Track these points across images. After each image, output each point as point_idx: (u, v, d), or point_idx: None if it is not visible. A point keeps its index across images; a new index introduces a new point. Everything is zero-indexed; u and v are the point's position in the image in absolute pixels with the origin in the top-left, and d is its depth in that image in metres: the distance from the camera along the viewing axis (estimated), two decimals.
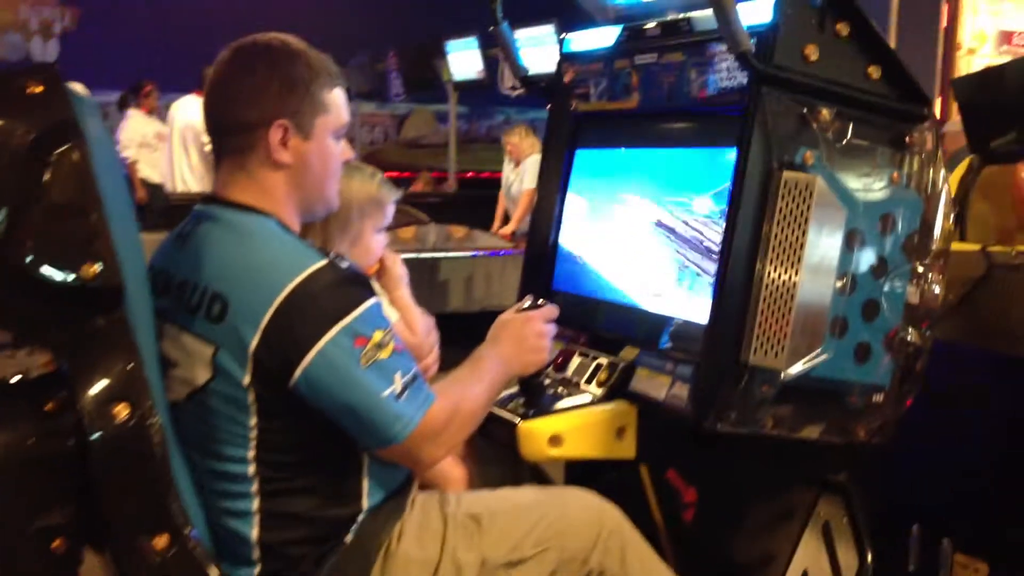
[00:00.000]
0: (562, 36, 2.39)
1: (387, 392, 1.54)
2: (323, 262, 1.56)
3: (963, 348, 2.43)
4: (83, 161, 1.43)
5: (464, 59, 8.60)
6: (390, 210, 2.11)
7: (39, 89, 1.45)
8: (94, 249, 1.42)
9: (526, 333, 1.84)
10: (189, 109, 6.72)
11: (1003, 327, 2.51)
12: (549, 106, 2.38)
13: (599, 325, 2.21)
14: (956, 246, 2.79)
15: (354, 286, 1.58)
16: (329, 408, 1.55)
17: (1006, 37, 7.85)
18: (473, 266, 6.61)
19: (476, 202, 8.56)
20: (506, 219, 7.76)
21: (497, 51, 8.03)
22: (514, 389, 1.99)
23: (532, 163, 7.51)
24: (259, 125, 1.63)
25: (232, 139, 1.67)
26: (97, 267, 1.42)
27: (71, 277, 1.41)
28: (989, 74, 3.44)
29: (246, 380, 1.53)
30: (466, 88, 9.18)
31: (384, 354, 1.55)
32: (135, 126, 7.94)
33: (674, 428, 1.90)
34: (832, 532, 2.10)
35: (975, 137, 3.08)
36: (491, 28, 2.32)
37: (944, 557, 2.32)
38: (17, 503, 1.45)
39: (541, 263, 2.39)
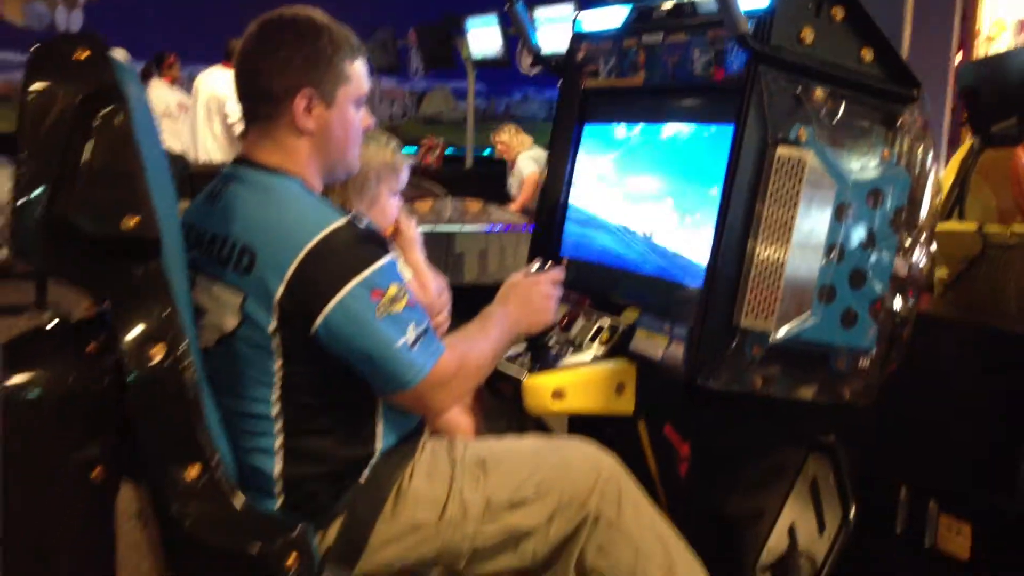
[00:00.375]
0: (574, 16, 2.49)
1: (400, 342, 1.66)
2: (344, 220, 1.68)
3: (955, 321, 2.54)
4: (125, 122, 1.54)
5: (484, 37, 8.63)
6: (404, 175, 2.22)
7: (85, 55, 1.56)
8: (134, 203, 1.52)
9: (533, 295, 1.96)
10: (214, 81, 6.83)
11: (996, 303, 2.61)
12: (560, 82, 2.50)
13: (602, 289, 2.31)
14: (954, 226, 2.89)
15: (372, 243, 1.70)
16: (347, 355, 1.66)
17: None
18: (487, 240, 6.70)
19: (492, 178, 8.64)
20: None
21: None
22: (521, 347, 2.10)
23: (523, 160, 7.60)
24: (285, 95, 1.75)
25: (260, 107, 1.78)
26: (136, 220, 1.52)
27: (112, 229, 1.52)
28: (992, 61, 3.54)
29: (271, 326, 1.66)
30: (485, 66, 9.22)
31: (398, 307, 1.67)
32: (158, 96, 8.04)
33: (670, 386, 2.01)
34: (819, 489, 2.22)
35: (976, 121, 3.17)
36: (507, 7, 2.43)
37: (930, 518, 2.44)
38: (60, 435, 1.55)
39: (549, 230, 2.50)
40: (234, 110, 6.63)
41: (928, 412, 2.42)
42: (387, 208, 2.19)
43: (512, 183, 7.80)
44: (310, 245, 1.64)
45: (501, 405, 2.20)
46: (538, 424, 2.28)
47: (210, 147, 7.02)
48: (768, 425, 2.11)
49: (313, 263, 1.64)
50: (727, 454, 2.12)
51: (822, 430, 2.22)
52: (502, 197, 7.69)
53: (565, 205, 2.49)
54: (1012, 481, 2.33)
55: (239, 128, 6.59)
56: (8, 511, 1.55)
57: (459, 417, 2.12)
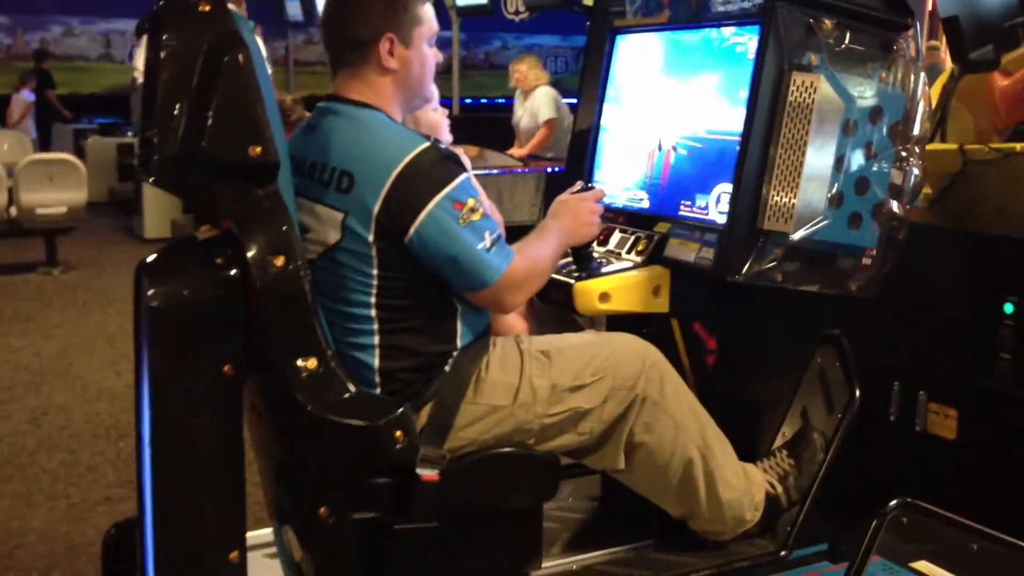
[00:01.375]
0: None
1: (480, 245, 1.94)
2: (427, 143, 1.95)
3: (939, 228, 2.84)
4: (246, 64, 1.77)
5: None
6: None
7: (208, 8, 1.80)
8: (257, 134, 1.77)
9: (580, 210, 2.24)
10: None
11: (975, 212, 2.91)
12: (589, 23, 2.76)
13: (635, 208, 2.57)
14: (937, 146, 3.17)
15: (452, 162, 1.97)
16: (435, 259, 1.93)
17: None
18: (485, 184, 6.91)
19: (480, 124, 8.86)
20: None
21: None
22: (567, 260, 2.38)
23: (542, 95, 7.68)
24: (370, 40, 2.02)
25: (348, 53, 2.05)
26: (259, 148, 1.77)
27: (240, 156, 1.76)
28: None
29: (370, 238, 1.92)
30: (469, 14, 9.35)
31: (476, 216, 1.94)
32: None
33: (700, 288, 2.30)
34: (827, 376, 2.51)
35: (956, 48, 3.45)
36: None
37: (920, 405, 2.76)
38: (195, 335, 1.80)
39: (583, 156, 2.77)
40: None
41: (917, 311, 2.73)
42: None
43: (522, 115, 7.82)
44: (401, 165, 1.91)
45: (547, 310, 2.48)
46: (580, 327, 2.56)
47: None
48: (783, 321, 2.38)
49: (405, 180, 1.90)
50: (748, 347, 2.38)
51: (829, 325, 2.51)
52: (490, 142, 7.89)
53: (597, 133, 2.76)
54: (990, 364, 2.65)
55: None
56: (158, 402, 1.82)
57: (515, 320, 2.40)
